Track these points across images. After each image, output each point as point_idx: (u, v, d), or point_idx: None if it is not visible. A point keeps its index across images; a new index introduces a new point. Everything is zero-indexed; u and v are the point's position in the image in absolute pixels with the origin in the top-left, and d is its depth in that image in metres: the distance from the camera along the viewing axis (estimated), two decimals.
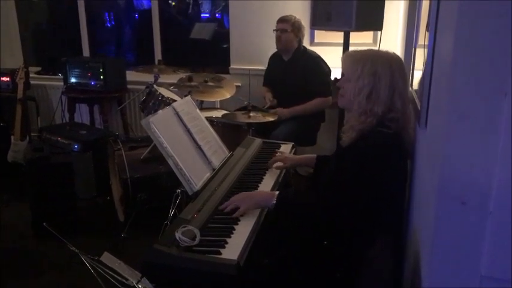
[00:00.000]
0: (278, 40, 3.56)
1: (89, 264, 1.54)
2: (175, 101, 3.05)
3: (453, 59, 1.09)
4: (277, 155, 2.47)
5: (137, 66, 4.40)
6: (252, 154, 2.51)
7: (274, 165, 2.37)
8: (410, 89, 2.27)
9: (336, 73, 3.67)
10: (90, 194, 3.68)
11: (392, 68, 1.75)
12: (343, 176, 1.75)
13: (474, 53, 1.06)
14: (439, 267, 1.21)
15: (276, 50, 3.69)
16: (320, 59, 3.54)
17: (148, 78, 3.62)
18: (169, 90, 3.65)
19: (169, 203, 2.20)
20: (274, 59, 3.77)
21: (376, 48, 3.40)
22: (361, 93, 1.76)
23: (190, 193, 1.96)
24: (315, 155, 2.31)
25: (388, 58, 1.79)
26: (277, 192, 1.84)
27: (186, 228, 1.60)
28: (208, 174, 2.12)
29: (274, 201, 1.81)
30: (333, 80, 3.58)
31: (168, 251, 1.54)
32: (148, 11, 4.85)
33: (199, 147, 2.17)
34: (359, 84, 1.77)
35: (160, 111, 2.16)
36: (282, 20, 3.53)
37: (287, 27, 3.50)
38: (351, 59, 1.83)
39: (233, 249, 1.59)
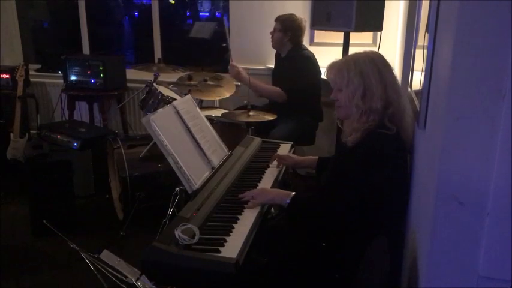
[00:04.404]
0: (271, 38, 3.60)
1: (89, 262, 1.54)
2: (175, 99, 3.06)
3: (452, 60, 1.10)
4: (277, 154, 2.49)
5: (137, 64, 4.40)
6: (251, 153, 2.52)
7: (274, 162, 2.39)
8: (409, 89, 2.28)
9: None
10: (88, 192, 3.69)
11: (376, 63, 1.78)
12: (349, 178, 1.77)
13: (473, 55, 1.07)
14: (437, 267, 1.22)
15: None
16: (309, 61, 3.51)
17: (148, 76, 3.62)
18: (169, 88, 3.65)
19: (168, 202, 2.21)
20: (276, 55, 3.79)
21: (376, 48, 3.41)
22: (355, 96, 1.78)
23: (189, 191, 1.96)
24: (317, 157, 2.33)
25: (369, 56, 1.81)
26: (293, 192, 1.86)
27: (185, 227, 1.61)
28: (207, 173, 2.13)
29: (288, 201, 1.83)
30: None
31: (168, 249, 1.54)
32: (148, 10, 4.85)
33: (199, 146, 2.18)
34: (350, 89, 1.79)
35: (160, 110, 2.17)
36: (276, 19, 3.57)
37: (277, 27, 3.53)
38: (334, 69, 1.86)
39: (232, 247, 1.60)
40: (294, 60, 3.52)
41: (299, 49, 3.58)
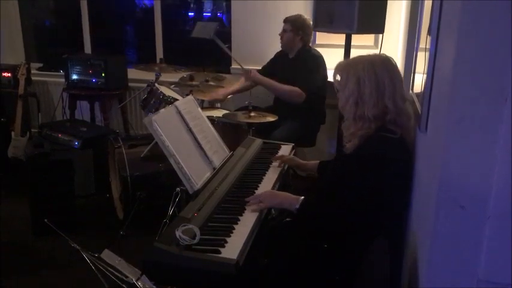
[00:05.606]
0: (280, 40, 3.60)
1: (90, 261, 1.55)
2: (176, 99, 3.06)
3: (454, 62, 1.10)
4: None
5: (138, 64, 4.40)
6: (253, 154, 2.52)
7: (276, 163, 2.41)
8: (411, 92, 2.29)
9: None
10: (89, 191, 3.69)
11: (376, 70, 1.76)
12: (350, 180, 1.77)
13: (475, 57, 1.07)
14: (437, 270, 1.22)
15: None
16: (319, 60, 3.53)
17: (150, 76, 3.63)
18: (171, 88, 3.65)
19: (169, 202, 2.21)
20: (281, 55, 3.77)
21: (377, 51, 3.41)
22: (349, 100, 1.80)
23: (190, 192, 1.96)
24: (318, 161, 2.34)
25: (372, 62, 1.79)
26: (302, 197, 1.85)
27: (186, 227, 1.61)
28: (208, 174, 2.13)
29: (298, 206, 1.82)
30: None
31: (168, 249, 1.54)
32: (150, 10, 4.86)
33: (200, 147, 2.18)
34: (346, 93, 1.81)
35: (162, 110, 2.17)
36: (284, 20, 3.57)
37: (287, 28, 3.53)
38: (338, 69, 1.88)
39: (233, 248, 1.60)
40: (305, 60, 3.52)
41: (309, 49, 3.59)
